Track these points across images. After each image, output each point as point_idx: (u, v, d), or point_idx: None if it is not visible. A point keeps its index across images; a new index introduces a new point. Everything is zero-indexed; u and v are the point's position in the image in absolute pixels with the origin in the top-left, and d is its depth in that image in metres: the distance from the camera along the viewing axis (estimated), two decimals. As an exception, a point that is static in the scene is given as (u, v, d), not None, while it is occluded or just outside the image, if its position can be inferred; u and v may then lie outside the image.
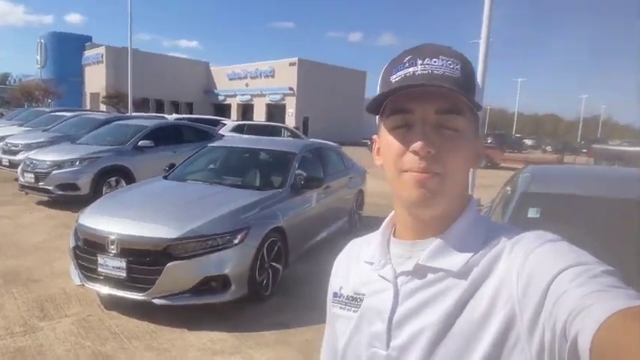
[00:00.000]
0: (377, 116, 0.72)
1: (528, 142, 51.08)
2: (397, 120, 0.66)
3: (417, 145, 0.63)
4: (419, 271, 0.68)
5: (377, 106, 0.69)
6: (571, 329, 0.48)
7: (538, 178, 2.76)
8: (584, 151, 31.14)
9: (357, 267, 0.79)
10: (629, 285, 0.52)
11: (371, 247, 0.78)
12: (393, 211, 0.76)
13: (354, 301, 0.76)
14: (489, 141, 31.92)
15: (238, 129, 14.91)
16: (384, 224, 0.78)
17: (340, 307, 0.78)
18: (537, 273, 0.56)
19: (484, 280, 0.62)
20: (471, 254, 0.65)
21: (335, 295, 0.81)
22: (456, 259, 0.65)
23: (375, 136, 0.76)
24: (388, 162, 0.68)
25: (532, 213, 2.41)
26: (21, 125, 13.87)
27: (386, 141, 0.69)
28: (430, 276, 0.67)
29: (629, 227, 2.22)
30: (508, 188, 3.29)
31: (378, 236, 0.77)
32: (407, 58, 0.66)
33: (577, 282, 0.51)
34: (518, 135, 54.65)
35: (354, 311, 0.75)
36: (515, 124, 65.91)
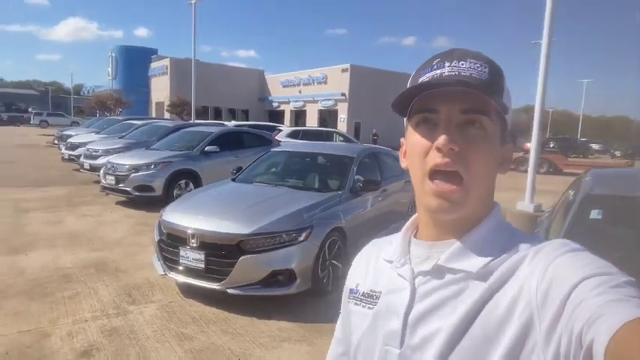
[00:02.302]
0: (404, 118, 0.73)
1: (595, 146, 47.92)
2: (423, 118, 0.67)
3: (440, 140, 0.63)
4: (437, 272, 0.68)
5: (404, 107, 0.70)
6: (587, 336, 0.48)
7: (600, 181, 2.79)
8: (659, 155, 28.83)
9: (376, 265, 0.79)
10: None
11: (392, 246, 0.78)
12: (416, 214, 0.77)
13: (370, 298, 0.76)
14: (551, 146, 30.45)
15: (294, 134, 15.45)
16: (406, 225, 0.79)
17: (355, 303, 0.78)
18: (558, 282, 0.56)
19: (503, 285, 0.62)
20: (491, 258, 0.65)
21: (351, 291, 0.81)
22: (476, 261, 0.65)
23: (402, 139, 0.76)
24: (413, 162, 0.69)
25: (594, 214, 2.46)
26: (98, 133, 15.22)
27: (412, 140, 0.69)
28: (448, 276, 0.67)
29: None
30: (570, 192, 3.32)
31: (400, 236, 0.77)
32: (435, 61, 0.67)
33: (597, 291, 0.51)
34: (584, 139, 51.43)
35: (369, 308, 0.75)
36: (580, 127, 62.08)
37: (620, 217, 2.48)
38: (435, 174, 0.65)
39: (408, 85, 0.70)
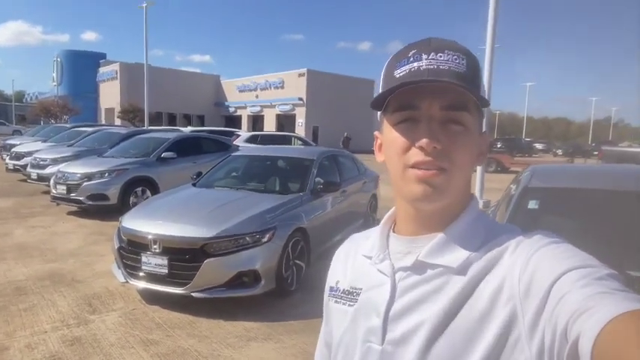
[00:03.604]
0: (379, 112, 0.71)
1: (539, 145, 51.05)
2: (402, 116, 0.65)
3: (423, 141, 0.62)
4: (418, 267, 0.67)
5: (380, 102, 0.68)
6: (572, 330, 0.47)
7: (537, 175, 3.08)
8: (596, 153, 31.13)
9: (355, 261, 0.78)
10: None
11: (369, 241, 0.77)
12: (394, 207, 0.75)
13: (350, 295, 0.75)
14: (499, 146, 32.10)
15: (252, 139, 15.41)
16: (383, 220, 0.78)
17: (335, 301, 0.78)
18: (540, 273, 0.55)
19: (484, 277, 0.62)
20: (472, 252, 0.64)
21: (331, 289, 0.80)
22: (456, 256, 0.65)
23: (376, 133, 0.74)
24: (392, 158, 0.67)
25: (532, 205, 2.72)
26: (44, 141, 14.49)
27: (390, 137, 0.67)
28: (429, 272, 0.66)
29: (623, 217, 2.52)
30: (512, 186, 3.62)
31: (377, 231, 0.76)
32: (411, 53, 0.64)
33: (580, 283, 0.51)
34: (529, 139, 54.53)
35: (349, 305, 0.74)
36: (524, 128, 65.77)
37: (555, 207, 2.76)
38: (417, 164, 0.64)
39: (382, 74, 0.69)
